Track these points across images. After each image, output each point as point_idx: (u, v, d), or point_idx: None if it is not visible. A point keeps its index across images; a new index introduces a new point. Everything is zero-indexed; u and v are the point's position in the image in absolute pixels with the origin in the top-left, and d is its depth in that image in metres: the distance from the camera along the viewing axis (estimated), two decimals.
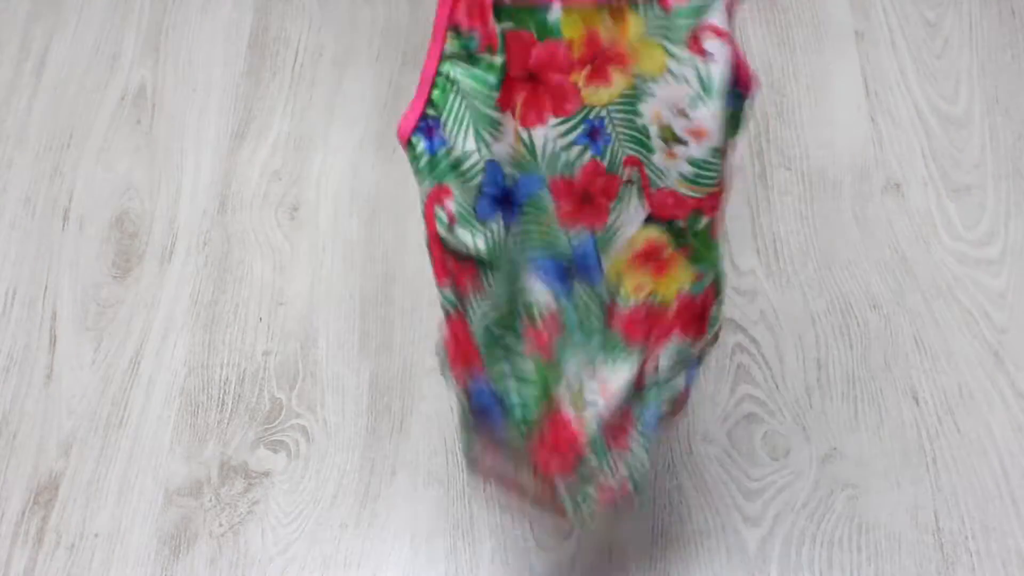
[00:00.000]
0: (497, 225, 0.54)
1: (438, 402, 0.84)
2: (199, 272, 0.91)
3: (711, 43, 0.49)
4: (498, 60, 0.50)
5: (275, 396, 0.85)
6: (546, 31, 0.50)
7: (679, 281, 0.57)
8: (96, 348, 0.87)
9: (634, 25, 0.50)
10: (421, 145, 0.53)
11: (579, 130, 0.52)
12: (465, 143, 0.52)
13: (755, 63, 0.98)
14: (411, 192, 0.96)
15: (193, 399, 0.85)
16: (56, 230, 0.94)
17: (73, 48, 1.05)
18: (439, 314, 0.89)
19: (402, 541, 0.78)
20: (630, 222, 0.55)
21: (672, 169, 0.53)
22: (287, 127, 0.99)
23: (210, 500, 0.80)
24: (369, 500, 0.80)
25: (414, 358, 0.86)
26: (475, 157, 0.52)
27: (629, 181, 0.54)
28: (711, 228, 0.55)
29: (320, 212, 0.94)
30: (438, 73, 0.51)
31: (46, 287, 0.91)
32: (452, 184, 0.54)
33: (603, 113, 0.52)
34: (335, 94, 1.00)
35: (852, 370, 0.83)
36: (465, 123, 0.52)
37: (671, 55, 0.50)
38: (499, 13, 0.49)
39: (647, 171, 0.54)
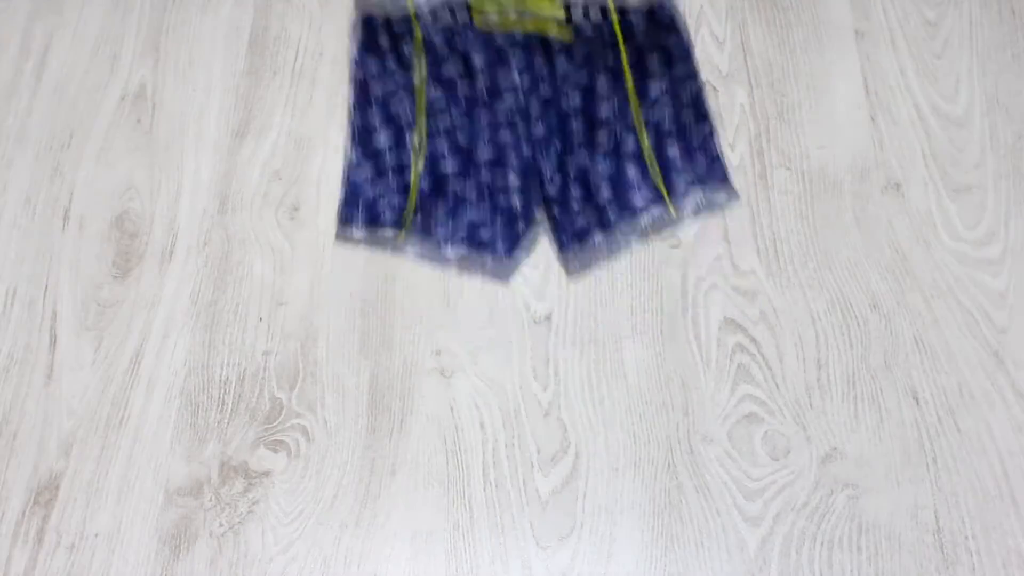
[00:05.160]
0: None
1: (438, 402, 0.84)
2: (199, 272, 0.91)
3: None
4: None
5: (275, 396, 0.85)
6: None
7: None
8: (96, 348, 0.87)
9: None
10: None
11: None
12: None
13: (755, 63, 0.99)
14: None
15: (193, 399, 0.85)
16: (56, 230, 0.94)
17: (73, 48, 1.05)
18: (438, 309, 0.89)
19: (402, 541, 0.78)
20: None
21: None
22: (287, 127, 0.99)
23: (210, 500, 0.80)
24: (369, 500, 0.80)
25: (414, 358, 0.86)
26: None
27: None
28: None
29: (320, 212, 0.94)
30: None
31: (46, 287, 0.91)
32: None
33: None
34: (335, 94, 1.00)
35: (852, 370, 0.83)
36: None
37: None
38: None
39: None
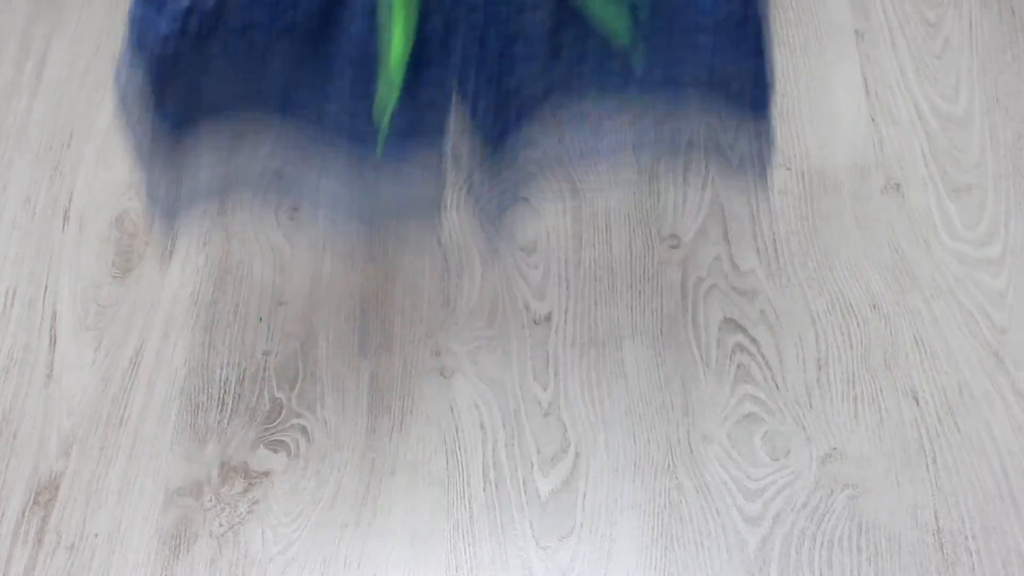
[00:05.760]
0: None
1: (438, 402, 0.84)
2: (199, 272, 0.91)
3: None
4: None
5: (275, 396, 0.85)
6: None
7: None
8: (96, 348, 0.87)
9: None
10: None
11: None
12: None
13: None
14: None
15: (193, 399, 0.85)
16: (56, 230, 0.94)
17: (73, 48, 1.05)
18: (438, 309, 0.89)
19: (402, 541, 0.78)
20: None
21: None
22: None
23: (210, 500, 0.80)
24: (369, 500, 0.80)
25: (414, 358, 0.86)
26: None
27: None
28: None
29: (320, 212, 0.93)
30: None
31: (46, 287, 0.91)
32: None
33: None
34: None
35: (852, 370, 0.83)
36: None
37: None
38: None
39: None
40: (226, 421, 0.84)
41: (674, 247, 0.90)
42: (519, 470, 0.81)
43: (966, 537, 0.76)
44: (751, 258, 0.89)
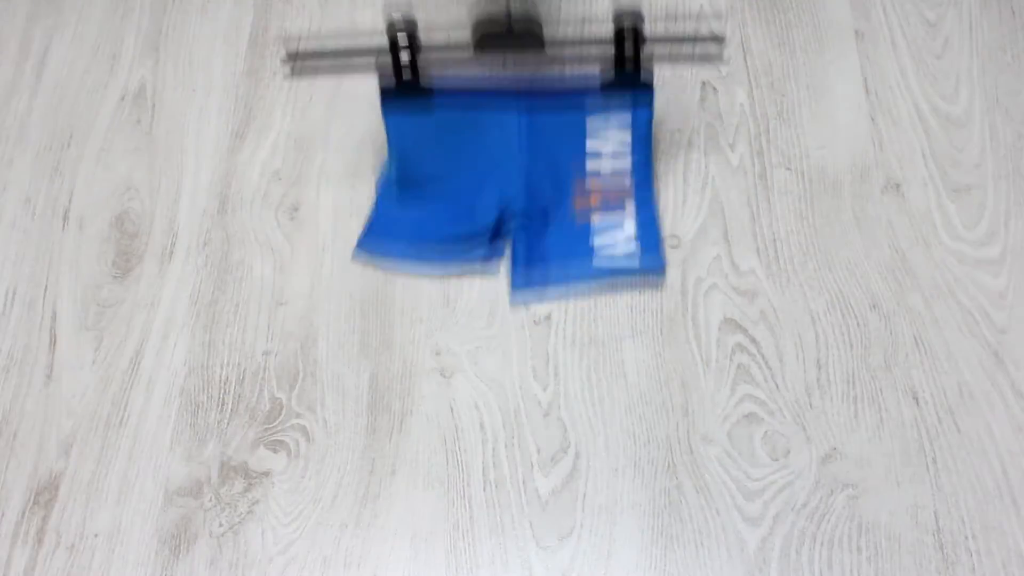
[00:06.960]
0: None
1: (438, 402, 0.84)
2: (199, 272, 0.91)
3: None
4: None
5: (275, 396, 0.85)
6: None
7: None
8: (96, 348, 0.87)
9: None
10: None
11: None
12: None
13: (755, 63, 0.99)
14: None
15: (193, 399, 0.85)
16: (56, 230, 0.94)
17: (73, 48, 1.05)
18: (438, 309, 0.89)
19: (402, 541, 0.78)
20: None
21: None
22: (287, 127, 0.99)
23: (210, 500, 0.80)
24: (369, 500, 0.80)
25: (414, 358, 0.86)
26: None
27: None
28: None
29: (320, 212, 0.94)
30: None
31: (46, 287, 0.91)
32: None
33: None
34: (335, 94, 1.00)
35: (852, 370, 0.83)
36: None
37: None
38: None
39: None
40: (226, 421, 0.84)
41: (674, 247, 0.90)
42: (519, 470, 0.81)
43: (966, 537, 0.76)
44: (751, 258, 0.89)
